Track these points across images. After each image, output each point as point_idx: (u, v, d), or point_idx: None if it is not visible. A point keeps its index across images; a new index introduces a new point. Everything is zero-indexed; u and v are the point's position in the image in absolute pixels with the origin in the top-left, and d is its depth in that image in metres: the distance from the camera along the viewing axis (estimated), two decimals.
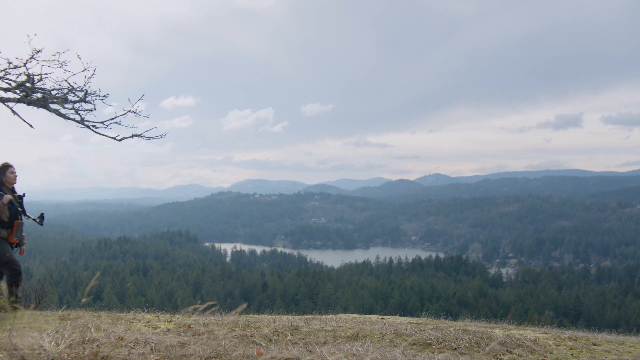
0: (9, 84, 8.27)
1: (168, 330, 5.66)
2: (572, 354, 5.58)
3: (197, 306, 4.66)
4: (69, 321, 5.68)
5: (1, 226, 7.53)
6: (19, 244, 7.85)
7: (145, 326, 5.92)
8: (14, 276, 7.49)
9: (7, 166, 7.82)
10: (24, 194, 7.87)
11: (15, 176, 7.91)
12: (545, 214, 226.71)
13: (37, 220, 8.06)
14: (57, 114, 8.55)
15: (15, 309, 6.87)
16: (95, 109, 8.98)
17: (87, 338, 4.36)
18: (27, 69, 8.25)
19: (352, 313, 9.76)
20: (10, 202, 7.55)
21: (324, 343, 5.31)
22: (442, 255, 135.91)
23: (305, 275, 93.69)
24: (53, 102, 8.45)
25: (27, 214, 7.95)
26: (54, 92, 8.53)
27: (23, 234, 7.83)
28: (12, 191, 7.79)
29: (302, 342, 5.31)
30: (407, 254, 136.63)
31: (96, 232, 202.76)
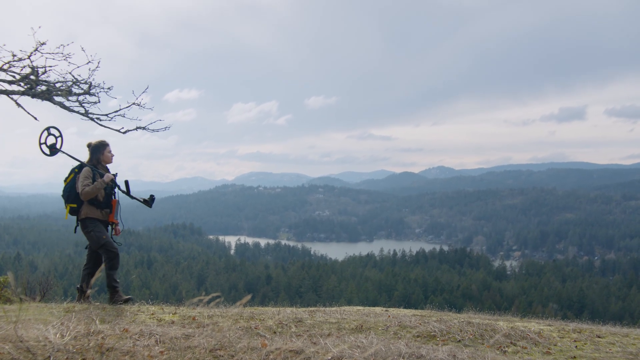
0: (13, 76, 8.29)
1: (172, 322, 5.68)
2: (576, 346, 5.59)
3: (201, 298, 4.67)
4: (73, 313, 5.71)
5: (97, 206, 7.40)
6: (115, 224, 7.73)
7: (149, 318, 5.94)
8: (112, 259, 7.36)
9: (104, 144, 7.66)
10: (116, 173, 7.64)
11: (112, 155, 7.75)
12: (550, 207, 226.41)
13: (147, 201, 7.86)
14: (61, 107, 8.56)
15: (21, 300, 6.88)
16: (99, 102, 9.00)
17: (92, 330, 4.37)
18: (31, 62, 8.26)
19: (356, 305, 9.77)
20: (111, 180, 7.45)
21: (328, 335, 5.32)
22: (446, 248, 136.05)
23: (309, 268, 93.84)
24: (57, 95, 8.46)
25: (131, 194, 7.83)
26: (58, 85, 8.54)
27: (120, 214, 7.71)
28: (107, 170, 7.64)
29: (306, 334, 5.33)
30: (411, 247, 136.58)
31: None
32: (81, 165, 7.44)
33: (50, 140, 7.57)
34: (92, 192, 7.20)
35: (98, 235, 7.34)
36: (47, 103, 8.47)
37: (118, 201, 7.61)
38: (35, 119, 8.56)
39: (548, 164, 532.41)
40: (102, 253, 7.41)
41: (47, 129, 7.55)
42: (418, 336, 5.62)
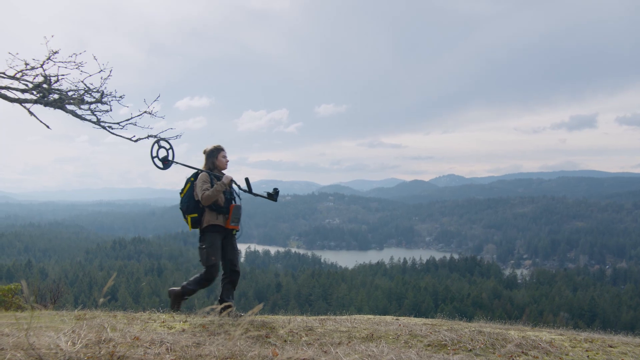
0: (26, 85, 8.32)
1: (183, 330, 5.68)
2: (588, 356, 5.54)
3: (213, 307, 4.66)
4: (85, 321, 5.71)
5: (218, 211, 7.08)
6: (238, 231, 7.37)
7: (160, 326, 5.93)
8: (205, 279, 7.26)
9: (219, 149, 7.41)
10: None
11: (227, 161, 7.45)
12: (560, 215, 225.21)
13: (271, 195, 7.46)
14: (73, 115, 8.58)
15: (33, 307, 6.86)
16: (111, 110, 9.01)
17: (103, 338, 4.37)
18: (44, 70, 8.30)
19: (367, 314, 9.75)
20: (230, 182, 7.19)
21: (339, 344, 5.30)
22: (456, 256, 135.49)
23: (319, 276, 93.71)
24: (70, 103, 8.49)
25: (253, 191, 7.50)
26: (70, 93, 8.57)
27: (241, 219, 7.30)
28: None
29: (317, 342, 5.31)
30: (421, 255, 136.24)
31: (111, 232, 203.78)
32: (197, 173, 7.22)
33: (162, 152, 7.44)
34: (213, 195, 6.91)
35: (209, 254, 7.05)
36: (59, 111, 8.50)
37: (237, 206, 7.25)
38: (48, 127, 8.60)
39: (559, 172, 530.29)
40: (203, 270, 7.23)
41: (157, 141, 7.42)
42: (429, 345, 5.59)
